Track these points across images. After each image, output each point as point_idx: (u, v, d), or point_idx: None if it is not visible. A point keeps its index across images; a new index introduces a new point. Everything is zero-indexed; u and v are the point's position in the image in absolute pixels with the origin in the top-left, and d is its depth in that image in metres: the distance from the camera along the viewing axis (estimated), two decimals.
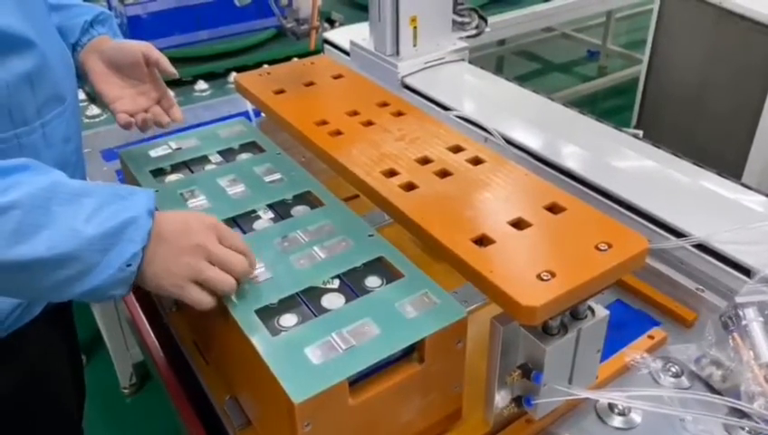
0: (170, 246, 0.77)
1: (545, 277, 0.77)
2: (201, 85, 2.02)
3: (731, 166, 2.06)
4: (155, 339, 1.17)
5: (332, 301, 0.82)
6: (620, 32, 4.57)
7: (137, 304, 1.24)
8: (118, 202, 0.75)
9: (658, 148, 1.33)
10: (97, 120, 1.88)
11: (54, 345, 1.09)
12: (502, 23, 2.83)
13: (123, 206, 0.75)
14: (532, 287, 0.76)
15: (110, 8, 2.15)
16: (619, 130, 1.43)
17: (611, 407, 0.94)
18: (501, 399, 0.86)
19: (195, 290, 0.78)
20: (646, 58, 2.68)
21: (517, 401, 0.87)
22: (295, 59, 2.16)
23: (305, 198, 1.01)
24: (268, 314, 0.80)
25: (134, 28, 1.98)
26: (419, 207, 0.91)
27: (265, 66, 2.06)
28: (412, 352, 0.78)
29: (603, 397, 0.88)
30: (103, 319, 2.17)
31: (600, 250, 0.81)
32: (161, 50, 2.04)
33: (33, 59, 0.87)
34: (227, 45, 2.15)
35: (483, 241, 0.84)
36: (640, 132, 1.49)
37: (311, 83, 1.28)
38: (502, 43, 4.26)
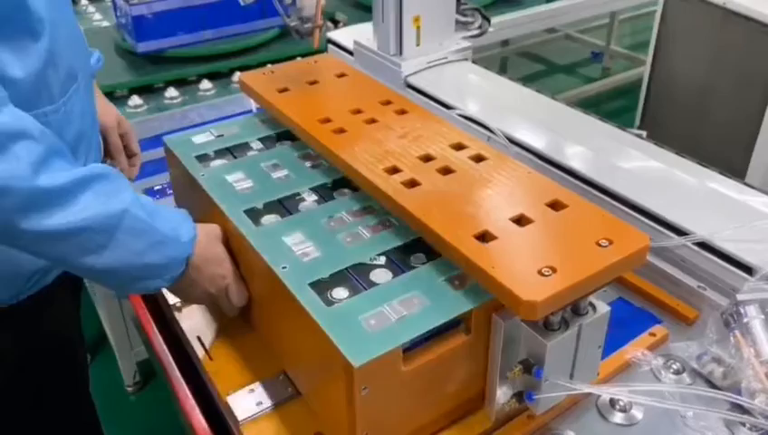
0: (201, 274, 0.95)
1: (546, 273, 0.77)
2: (205, 85, 2.03)
3: (734, 167, 2.05)
4: (160, 337, 1.18)
5: (380, 276, 0.87)
6: (624, 33, 4.57)
7: (143, 303, 1.24)
8: (169, 243, 0.88)
9: (661, 147, 1.33)
10: None
11: (69, 310, 1.19)
12: (505, 23, 2.83)
13: (173, 248, 0.89)
14: (533, 282, 0.76)
15: (115, 8, 2.16)
16: (623, 129, 1.43)
17: (612, 403, 0.94)
18: (502, 394, 0.86)
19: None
20: (649, 59, 2.68)
21: (518, 396, 0.87)
22: (299, 58, 2.18)
23: (345, 183, 1.06)
24: (321, 287, 0.85)
25: (139, 28, 1.99)
26: (422, 203, 0.91)
27: (269, 66, 2.08)
28: (459, 325, 0.82)
29: (604, 392, 0.89)
30: (108, 318, 2.18)
31: (601, 246, 0.82)
32: (165, 50, 2.07)
33: (51, 38, 0.89)
34: (231, 45, 2.16)
35: (485, 237, 0.84)
36: (644, 133, 1.49)
37: (314, 82, 1.28)
38: (506, 43, 4.26)
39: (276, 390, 0.96)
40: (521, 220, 0.87)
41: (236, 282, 0.99)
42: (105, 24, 2.59)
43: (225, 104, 1.93)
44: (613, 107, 3.98)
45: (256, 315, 1.03)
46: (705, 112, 2.44)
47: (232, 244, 1.00)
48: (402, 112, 1.16)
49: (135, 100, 1.94)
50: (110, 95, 1.99)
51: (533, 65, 4.52)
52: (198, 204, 1.08)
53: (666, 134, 2.45)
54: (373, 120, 1.13)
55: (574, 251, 0.82)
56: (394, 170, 0.99)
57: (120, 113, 1.90)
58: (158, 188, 1.54)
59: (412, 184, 0.96)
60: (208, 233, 0.97)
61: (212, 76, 2.09)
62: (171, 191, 1.52)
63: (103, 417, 1.51)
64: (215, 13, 2.09)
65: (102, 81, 1.98)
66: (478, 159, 1.01)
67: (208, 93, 2.02)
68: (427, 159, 1.01)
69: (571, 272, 0.77)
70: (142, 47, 2.03)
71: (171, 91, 1.98)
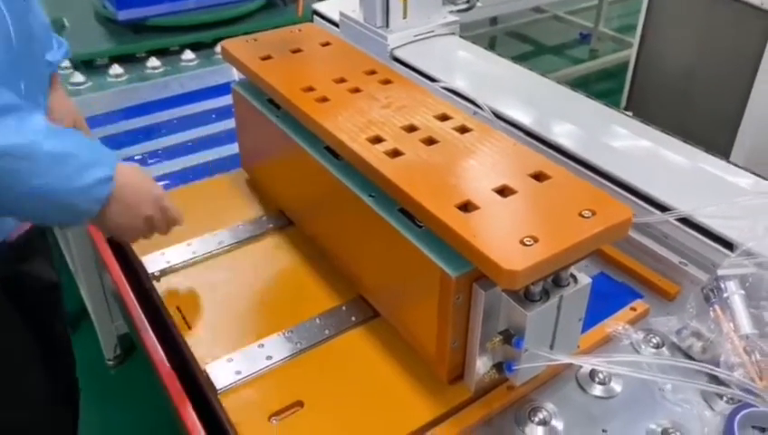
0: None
1: (528, 242, 0.76)
2: (188, 55, 1.99)
3: (719, 149, 2.06)
4: (138, 306, 1.16)
5: None
6: (612, 16, 4.55)
7: (121, 274, 1.23)
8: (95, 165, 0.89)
9: (647, 125, 1.33)
10: (81, 87, 1.85)
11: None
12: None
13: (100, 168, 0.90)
14: (514, 252, 0.75)
15: None
16: (609, 107, 1.42)
17: (592, 375, 0.94)
18: (482, 365, 0.86)
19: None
20: (636, 41, 2.67)
21: (498, 367, 0.87)
22: None
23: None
24: (407, 212, 0.90)
25: None
26: (404, 173, 0.90)
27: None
28: None
29: (583, 362, 0.89)
30: (88, 291, 2.16)
31: (584, 217, 0.81)
32: (146, 19, 2.02)
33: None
34: (214, 15, 2.12)
35: (467, 207, 0.83)
36: (630, 114, 1.48)
37: (298, 50, 1.26)
38: (494, 22, 4.23)
39: (255, 359, 0.95)
40: (504, 191, 0.86)
41: (169, 199, 1.04)
42: None
43: (208, 75, 1.90)
44: (600, 88, 3.97)
45: (332, 247, 1.11)
46: (690, 95, 2.45)
47: (310, 181, 1.09)
48: (386, 82, 1.14)
49: (116, 69, 1.90)
50: (89, 63, 1.96)
51: (521, 45, 4.49)
52: (272, 145, 1.18)
53: (651, 116, 2.44)
54: (357, 90, 1.11)
55: (557, 221, 0.81)
56: (377, 140, 0.97)
57: (101, 82, 1.88)
58: (137, 157, 1.52)
59: (395, 154, 0.94)
60: (133, 165, 1.00)
61: (194, 47, 2.04)
62: (152, 160, 1.51)
63: (83, 390, 1.50)
64: None
65: (82, 48, 1.95)
66: (462, 129, 1.00)
67: (191, 64, 1.98)
68: (411, 129, 1.00)
69: (553, 242, 0.77)
70: (123, 15, 1.98)
71: (153, 61, 1.94)
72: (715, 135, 2.27)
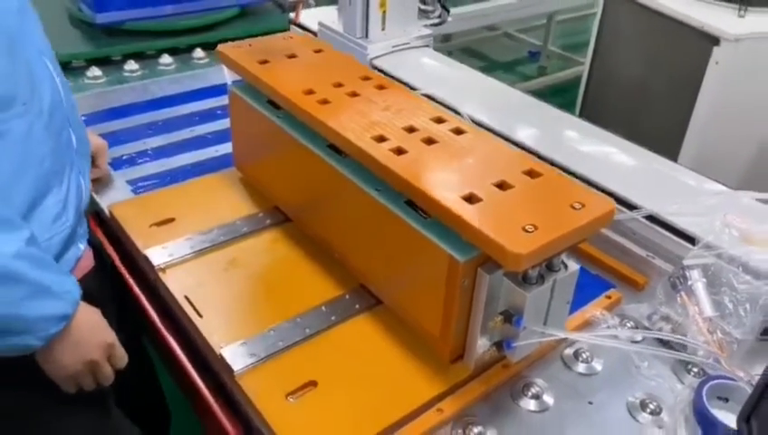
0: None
1: (529, 229, 0.85)
2: (166, 59, 2.02)
3: (665, 156, 2.22)
4: (144, 298, 1.20)
5: None
6: (558, 35, 4.78)
7: (124, 269, 1.26)
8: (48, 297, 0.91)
9: (613, 133, 1.46)
10: None
11: None
12: (454, 16, 2.93)
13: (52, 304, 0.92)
14: (518, 237, 0.84)
15: None
16: (575, 116, 1.55)
17: (576, 355, 1.04)
18: (482, 344, 0.95)
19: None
20: (588, 58, 2.84)
21: (497, 345, 0.95)
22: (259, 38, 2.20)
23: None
24: (412, 206, 0.98)
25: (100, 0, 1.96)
26: (411, 169, 0.97)
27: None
28: None
29: (576, 337, 0.98)
30: None
31: (575, 208, 0.91)
32: (124, 22, 2.03)
33: None
34: (191, 21, 2.15)
35: (471, 199, 0.92)
36: None
37: (293, 56, 1.32)
38: (447, 39, 4.38)
39: (267, 343, 1.01)
40: (502, 185, 0.95)
41: (119, 347, 1.04)
42: None
43: (188, 79, 1.93)
44: (552, 103, 4.16)
45: (334, 240, 1.17)
46: (639, 108, 2.62)
47: (313, 178, 1.15)
48: (381, 87, 1.22)
49: (94, 71, 1.92)
50: (65, 65, 1.96)
51: (473, 62, 4.66)
52: (272, 144, 1.24)
53: (603, 128, 2.61)
54: (355, 94, 1.19)
55: (552, 212, 0.90)
56: (381, 139, 1.05)
57: (79, 84, 1.89)
58: (125, 157, 1.55)
59: (399, 151, 1.02)
60: (92, 309, 1.00)
61: (171, 51, 2.07)
62: (141, 160, 1.54)
63: None
64: None
65: (58, 50, 1.93)
66: (458, 131, 1.09)
67: (169, 68, 2.01)
68: (411, 129, 1.08)
69: (551, 229, 0.86)
70: (101, 18, 2.00)
71: (131, 65, 1.97)
72: (662, 145, 2.44)
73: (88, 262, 1.13)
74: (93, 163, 1.36)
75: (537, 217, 0.88)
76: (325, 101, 1.15)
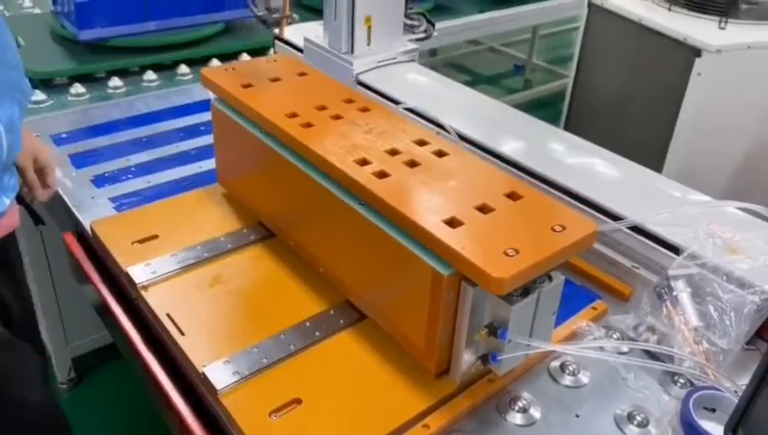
0: None
1: (511, 253, 0.86)
2: (150, 75, 2.02)
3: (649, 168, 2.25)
4: (124, 315, 1.20)
5: None
6: (543, 49, 4.82)
7: (104, 286, 1.26)
8: None
9: (597, 145, 1.47)
10: (42, 105, 1.85)
11: None
12: (440, 30, 2.94)
13: None
14: (500, 262, 0.85)
15: None
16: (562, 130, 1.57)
17: (563, 367, 1.05)
18: (468, 357, 0.95)
19: None
20: (572, 71, 2.86)
21: (483, 359, 0.96)
22: (245, 54, 2.21)
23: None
24: None
25: (82, 15, 1.96)
26: (393, 192, 0.98)
27: (214, 60, 2.10)
28: None
29: (561, 349, 0.99)
30: (43, 311, 2.14)
31: (556, 231, 0.92)
32: (107, 39, 2.04)
33: None
34: (175, 38, 2.15)
35: (453, 223, 0.93)
36: None
37: (276, 79, 1.32)
38: (433, 54, 4.40)
39: (251, 361, 1.01)
40: (483, 208, 0.96)
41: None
42: (37, 11, 2.52)
43: (172, 95, 1.94)
44: (536, 116, 4.19)
45: (319, 255, 1.17)
46: (623, 121, 2.65)
47: (297, 193, 1.16)
48: (365, 110, 1.22)
49: (78, 88, 1.92)
50: (48, 82, 1.96)
51: (459, 76, 4.68)
52: (256, 159, 1.25)
53: (587, 140, 2.63)
54: (338, 117, 1.19)
55: (533, 235, 0.91)
56: (364, 162, 1.05)
57: (62, 101, 1.88)
58: (108, 174, 1.55)
59: (382, 175, 1.03)
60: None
61: (156, 68, 2.08)
62: (124, 177, 1.54)
63: None
64: (159, 4, 2.07)
65: (41, 67, 1.96)
66: (440, 154, 1.09)
67: (153, 84, 2.02)
68: (394, 152, 1.09)
69: (532, 253, 0.87)
70: (84, 35, 1.99)
71: (115, 81, 1.97)
72: (647, 157, 2.46)
73: (11, 221, 1.09)
74: (43, 183, 1.35)
75: (518, 241, 0.89)
76: (308, 124, 1.16)
